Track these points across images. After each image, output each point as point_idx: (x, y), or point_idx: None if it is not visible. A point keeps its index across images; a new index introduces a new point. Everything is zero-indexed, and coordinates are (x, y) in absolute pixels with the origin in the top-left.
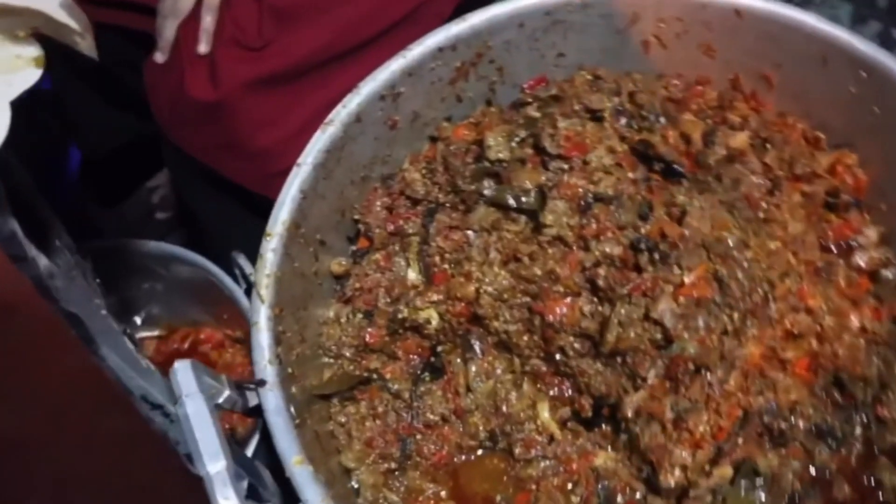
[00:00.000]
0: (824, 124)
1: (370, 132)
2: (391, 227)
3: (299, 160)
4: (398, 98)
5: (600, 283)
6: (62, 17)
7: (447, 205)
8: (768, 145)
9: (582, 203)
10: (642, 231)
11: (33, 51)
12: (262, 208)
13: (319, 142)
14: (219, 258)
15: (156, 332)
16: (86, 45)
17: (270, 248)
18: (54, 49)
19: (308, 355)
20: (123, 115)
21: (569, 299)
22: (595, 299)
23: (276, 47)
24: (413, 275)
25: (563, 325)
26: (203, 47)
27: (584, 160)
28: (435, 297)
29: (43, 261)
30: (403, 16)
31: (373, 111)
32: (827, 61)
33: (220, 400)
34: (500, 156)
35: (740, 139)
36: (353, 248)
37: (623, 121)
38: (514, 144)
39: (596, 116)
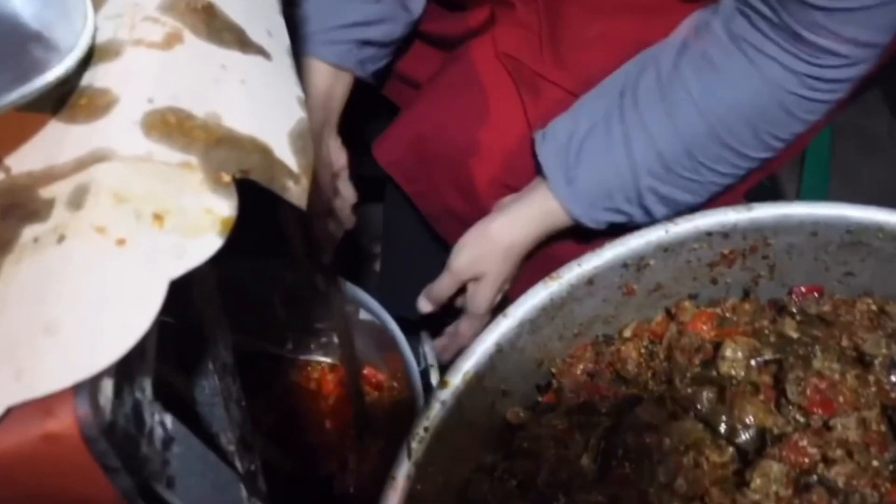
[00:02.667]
0: None
1: (599, 295)
2: (584, 397)
3: (506, 311)
4: (644, 268)
5: None
6: (284, 152)
7: (654, 397)
8: None
9: (802, 479)
10: None
11: (226, 208)
12: None
13: (536, 297)
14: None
15: (329, 360)
16: (297, 192)
17: (441, 398)
18: None
19: (443, 501)
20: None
21: None
22: None
23: None
24: (587, 461)
25: None
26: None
27: (826, 422)
28: (599, 499)
29: (164, 428)
30: None
31: (610, 276)
32: None
33: None
34: (733, 373)
35: None
36: (539, 399)
37: (894, 377)
38: (753, 364)
39: (864, 360)
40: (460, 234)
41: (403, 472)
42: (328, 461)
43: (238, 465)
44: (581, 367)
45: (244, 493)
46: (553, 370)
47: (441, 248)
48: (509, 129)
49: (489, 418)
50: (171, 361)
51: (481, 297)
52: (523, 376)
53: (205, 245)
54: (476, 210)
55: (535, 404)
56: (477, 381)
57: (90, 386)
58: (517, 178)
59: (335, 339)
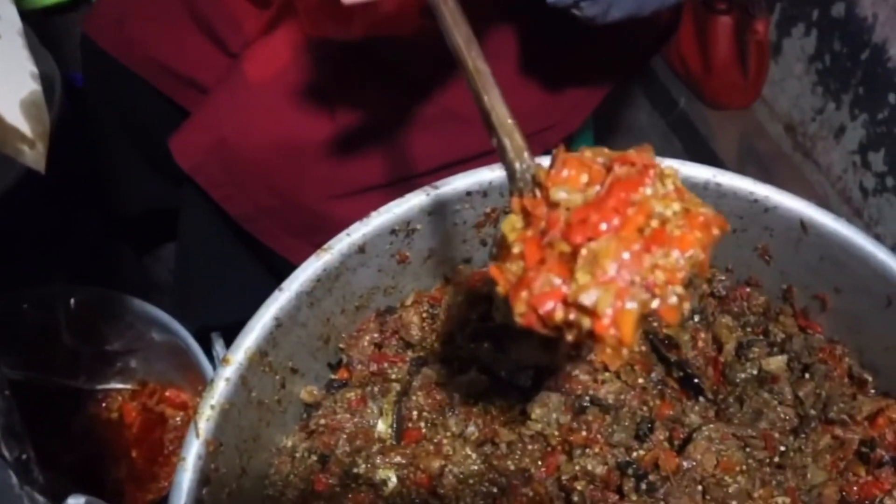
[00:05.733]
0: (875, 366)
1: (374, 264)
2: (374, 367)
3: (282, 285)
4: (412, 234)
5: (575, 498)
6: (15, 118)
7: (440, 357)
8: (807, 375)
9: (577, 403)
10: (634, 455)
11: None
12: (277, 273)
13: (310, 269)
14: (209, 323)
15: (129, 386)
16: (32, 156)
17: (224, 376)
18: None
19: (247, 488)
20: (154, 178)
21: None
22: None
23: None
24: (382, 426)
25: None
26: None
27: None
28: (398, 460)
29: None
30: None
31: (380, 244)
32: (892, 303)
33: None
34: (507, 321)
35: (776, 364)
36: (332, 376)
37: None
38: None
39: None
40: (276, 230)
41: (193, 451)
42: (140, 493)
43: (5, 452)
44: (367, 338)
45: (14, 479)
46: (341, 346)
47: (245, 249)
48: (316, 122)
49: (282, 398)
50: None
51: None
52: (311, 353)
53: None
54: (293, 204)
55: (329, 382)
56: (260, 357)
57: None
58: (336, 167)
59: (132, 363)
